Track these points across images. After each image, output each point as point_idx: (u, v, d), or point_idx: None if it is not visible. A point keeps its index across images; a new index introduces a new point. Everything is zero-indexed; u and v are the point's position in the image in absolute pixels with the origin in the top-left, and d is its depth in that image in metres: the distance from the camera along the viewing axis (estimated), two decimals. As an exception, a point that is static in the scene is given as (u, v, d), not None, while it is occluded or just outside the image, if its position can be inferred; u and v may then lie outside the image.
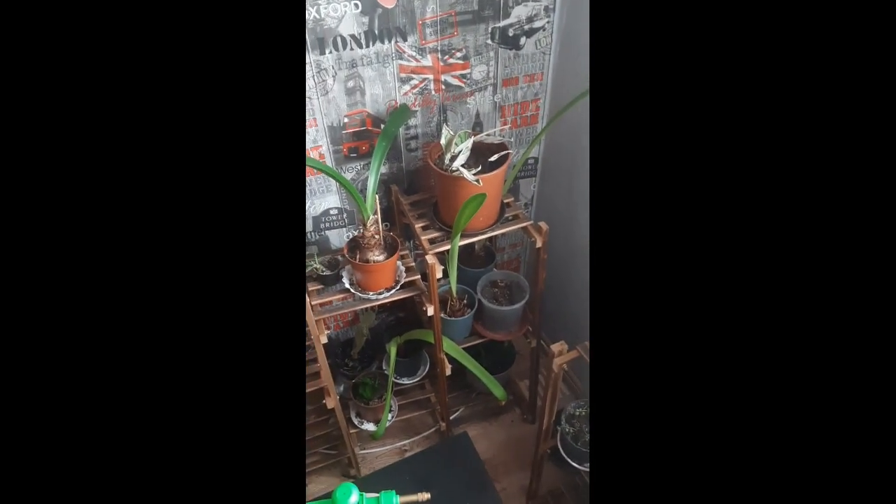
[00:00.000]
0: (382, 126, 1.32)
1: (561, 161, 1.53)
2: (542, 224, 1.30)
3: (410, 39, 1.23)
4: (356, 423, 1.60)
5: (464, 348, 1.48)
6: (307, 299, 1.17)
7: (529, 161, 1.62)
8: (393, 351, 1.50)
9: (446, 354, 1.43)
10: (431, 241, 1.29)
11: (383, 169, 1.38)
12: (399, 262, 1.30)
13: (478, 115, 1.43)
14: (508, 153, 1.21)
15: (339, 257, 1.36)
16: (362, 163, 1.39)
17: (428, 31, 1.23)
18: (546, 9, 1.31)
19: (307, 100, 1.23)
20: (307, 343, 1.42)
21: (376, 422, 1.59)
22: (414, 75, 1.29)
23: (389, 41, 1.21)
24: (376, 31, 1.19)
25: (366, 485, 0.84)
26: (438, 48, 1.27)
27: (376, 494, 0.79)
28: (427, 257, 1.22)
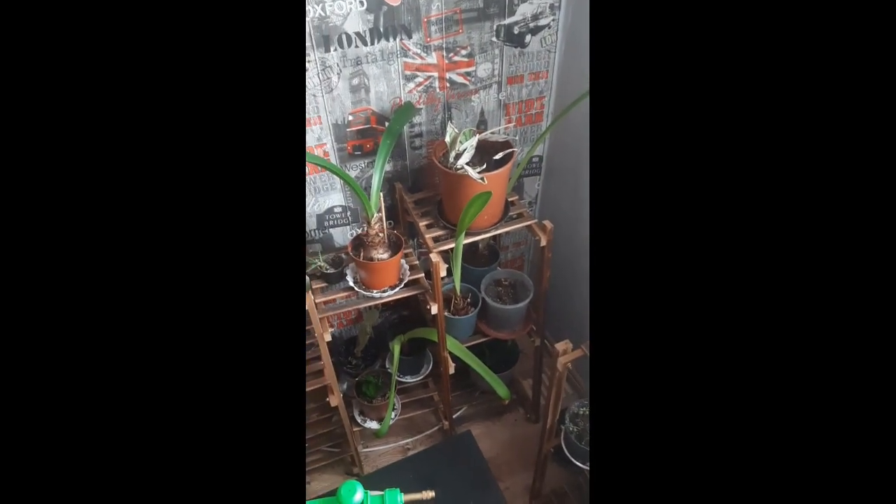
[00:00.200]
0: (387, 124, 1.32)
1: (565, 159, 1.53)
2: (547, 223, 1.29)
3: (415, 37, 1.23)
4: (359, 421, 1.60)
5: (467, 347, 1.48)
6: (311, 297, 1.17)
7: (534, 159, 1.62)
8: (396, 349, 1.50)
9: (450, 353, 1.43)
10: (435, 240, 1.29)
11: (387, 167, 1.38)
12: (403, 261, 1.30)
13: (482, 112, 1.43)
14: (513, 151, 1.20)
15: (343, 255, 1.36)
16: (366, 160, 1.39)
17: (433, 28, 1.23)
18: (551, 6, 1.31)
19: (312, 97, 1.23)
20: (311, 341, 1.42)
21: (379, 420, 1.59)
22: (419, 73, 1.29)
23: (394, 39, 1.21)
24: (381, 29, 1.19)
25: (369, 483, 0.84)
26: (443, 46, 1.27)
27: (380, 492, 0.79)
28: (431, 255, 1.21)
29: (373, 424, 1.59)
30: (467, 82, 1.36)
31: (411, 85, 1.30)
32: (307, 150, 1.30)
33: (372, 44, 1.20)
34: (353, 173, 1.39)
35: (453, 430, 1.67)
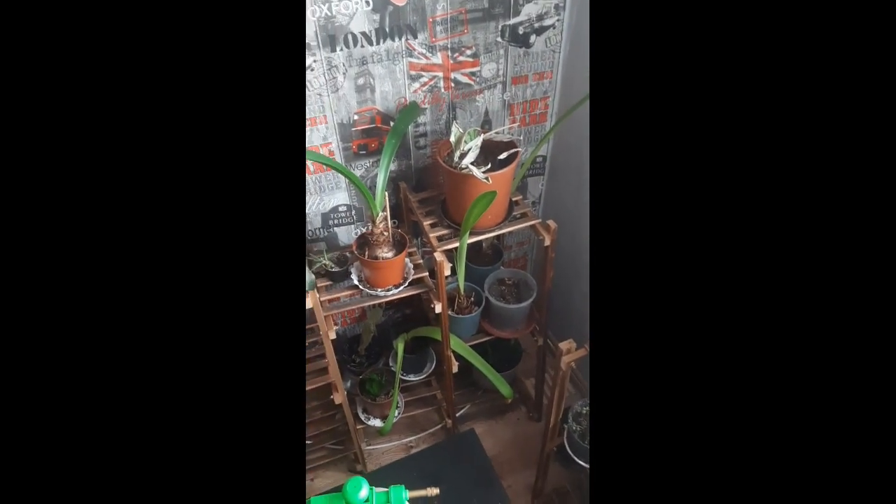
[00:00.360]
0: (392, 123, 1.32)
1: (569, 160, 1.53)
2: (551, 222, 1.30)
3: (421, 37, 1.23)
4: (363, 418, 1.61)
5: (470, 346, 1.49)
6: (316, 295, 1.18)
7: (538, 159, 1.62)
8: (400, 348, 1.50)
9: (453, 351, 1.44)
10: (440, 239, 1.29)
11: (392, 166, 1.39)
12: (407, 259, 1.31)
13: (487, 112, 1.43)
14: (518, 151, 1.21)
15: (348, 254, 1.37)
16: (371, 160, 1.40)
17: (438, 28, 1.23)
18: (556, 7, 1.31)
19: (317, 97, 1.23)
20: (315, 339, 1.43)
21: (383, 418, 1.60)
22: (424, 73, 1.29)
23: (400, 38, 1.22)
24: (387, 29, 1.19)
25: (374, 480, 0.85)
26: (448, 46, 1.27)
27: (385, 489, 0.80)
28: (436, 254, 1.22)
29: (376, 422, 1.60)
30: (472, 82, 1.36)
31: (416, 85, 1.31)
32: (313, 150, 1.30)
33: (377, 44, 1.20)
34: (358, 172, 1.40)
35: (456, 429, 1.67)
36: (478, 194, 1.15)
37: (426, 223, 1.33)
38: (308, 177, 1.37)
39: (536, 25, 1.33)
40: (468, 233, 1.22)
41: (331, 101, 1.25)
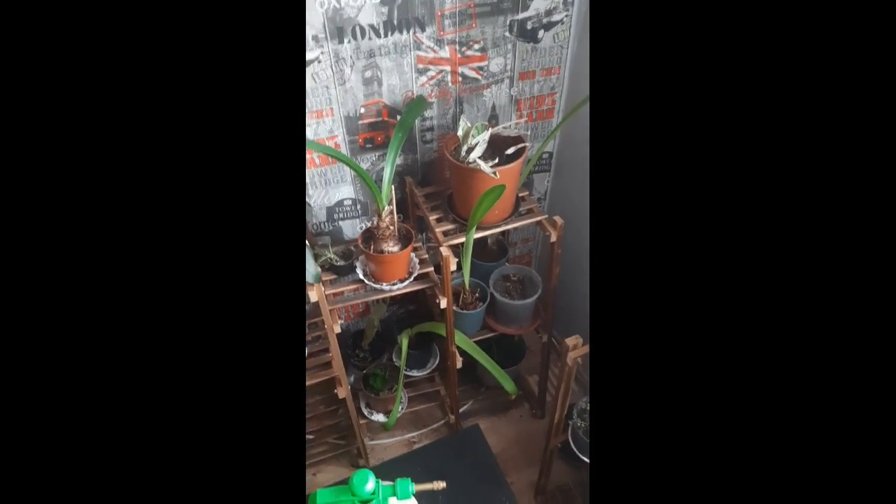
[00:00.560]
0: (398, 117, 1.32)
1: (575, 156, 1.53)
2: (557, 218, 1.29)
3: (429, 30, 1.22)
4: (366, 413, 1.60)
5: (474, 342, 1.48)
6: (321, 289, 1.18)
7: (544, 156, 1.62)
8: (404, 343, 1.50)
9: (458, 347, 1.43)
10: (445, 234, 1.29)
11: (398, 160, 1.38)
12: (412, 254, 1.30)
13: (494, 107, 1.43)
14: (525, 146, 1.20)
15: (353, 248, 1.36)
16: (377, 153, 1.39)
17: (446, 22, 1.23)
18: (565, 2, 1.31)
19: (324, 89, 1.23)
20: (319, 333, 1.43)
21: (386, 413, 1.60)
22: (431, 66, 1.29)
23: (408, 32, 1.21)
24: (395, 22, 1.19)
25: (377, 474, 0.84)
26: (456, 40, 1.26)
27: (391, 483, 0.80)
28: (441, 249, 1.21)
29: (379, 417, 1.60)
30: (479, 77, 1.35)
31: (423, 78, 1.30)
32: (319, 142, 1.30)
33: (385, 36, 1.20)
34: (363, 166, 1.39)
35: (459, 425, 1.67)
36: (484, 189, 1.14)
37: (432, 218, 1.33)
38: (314, 170, 1.37)
39: (545, 21, 1.32)
40: (475, 227, 1.21)
41: (338, 94, 1.25)
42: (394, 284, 1.27)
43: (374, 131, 1.35)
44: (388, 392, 1.56)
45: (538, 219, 1.31)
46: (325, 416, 1.64)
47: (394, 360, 1.65)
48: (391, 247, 1.23)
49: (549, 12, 1.31)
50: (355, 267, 1.30)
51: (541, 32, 1.34)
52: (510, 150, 1.20)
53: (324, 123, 1.28)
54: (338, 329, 1.26)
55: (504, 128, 1.26)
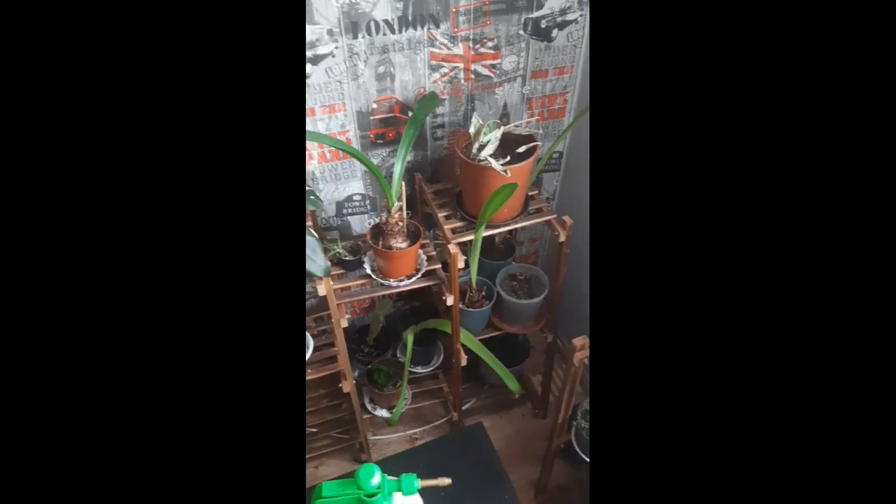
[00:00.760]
0: (410, 113, 1.32)
1: (586, 156, 1.52)
2: (567, 218, 1.29)
3: (443, 27, 1.22)
4: (369, 408, 1.61)
5: (479, 340, 1.48)
6: (329, 283, 1.18)
7: (554, 155, 1.61)
8: (410, 339, 1.50)
9: (462, 345, 1.43)
10: (454, 231, 1.29)
11: (408, 156, 1.38)
12: (420, 251, 1.30)
13: (505, 105, 1.42)
14: (537, 145, 1.20)
15: (361, 243, 1.37)
16: (388, 149, 1.39)
17: (461, 19, 1.23)
18: (579, 1, 1.30)
19: (338, 83, 1.23)
20: (325, 327, 1.43)
21: (389, 408, 1.60)
22: (444, 63, 1.29)
23: (422, 28, 1.21)
24: (410, 18, 1.18)
25: (381, 469, 0.84)
26: (470, 37, 1.26)
27: (396, 478, 0.80)
28: (450, 246, 1.21)
29: (382, 412, 1.60)
30: (492, 74, 1.35)
31: (436, 75, 1.30)
32: (331, 136, 1.30)
33: (399, 32, 1.20)
34: (374, 162, 1.39)
35: (462, 422, 1.67)
36: (495, 187, 1.14)
37: (440, 215, 1.33)
38: (324, 164, 1.37)
39: (559, 20, 1.32)
40: (484, 225, 1.21)
41: (350, 89, 1.25)
42: (401, 281, 1.27)
43: (386, 127, 1.35)
44: (391, 388, 1.57)
45: (547, 218, 1.31)
46: (328, 409, 1.65)
47: (398, 356, 1.66)
48: (399, 243, 1.23)
49: (563, 11, 1.31)
50: (363, 262, 1.30)
51: (555, 31, 1.33)
52: (521, 149, 1.20)
53: (336, 118, 1.28)
54: (345, 323, 1.26)
55: (516, 126, 1.26)
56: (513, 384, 1.50)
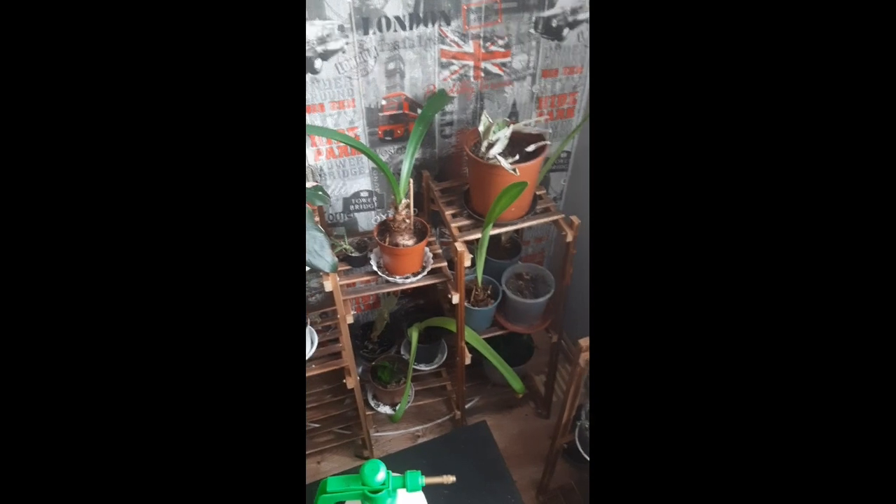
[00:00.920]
0: (419, 110, 1.32)
1: (594, 157, 1.52)
2: (574, 218, 1.29)
3: (454, 24, 1.22)
4: (372, 405, 1.61)
5: (483, 339, 1.48)
6: (336, 279, 1.18)
7: (562, 155, 1.61)
8: (414, 337, 1.50)
9: (467, 344, 1.43)
10: (461, 229, 1.29)
11: (416, 154, 1.38)
12: (427, 249, 1.30)
13: (514, 104, 1.42)
14: (546, 144, 1.20)
15: (368, 239, 1.37)
16: (396, 146, 1.39)
17: (472, 16, 1.22)
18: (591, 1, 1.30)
19: (347, 79, 1.23)
20: (329, 323, 1.43)
21: (392, 405, 1.60)
22: (454, 61, 1.28)
23: (433, 25, 1.21)
24: (421, 14, 1.18)
25: (385, 465, 0.84)
26: (481, 35, 1.26)
27: (400, 474, 0.80)
28: (456, 245, 1.21)
29: (385, 409, 1.61)
30: (502, 73, 1.35)
31: (446, 73, 1.30)
32: (340, 132, 1.30)
33: (410, 29, 1.19)
34: (382, 158, 1.39)
35: (464, 421, 1.68)
36: (503, 186, 1.14)
37: (448, 213, 1.33)
38: (332, 160, 1.37)
39: (570, 19, 1.31)
40: (492, 224, 1.21)
41: (360, 85, 1.25)
42: (407, 278, 1.27)
43: (394, 124, 1.35)
44: (395, 385, 1.57)
45: (555, 218, 1.31)
46: (331, 405, 1.65)
47: (402, 353, 1.66)
48: (406, 240, 1.23)
49: (574, 10, 1.30)
50: (369, 259, 1.31)
51: (566, 30, 1.33)
52: (530, 148, 1.20)
53: (345, 114, 1.28)
54: (350, 319, 1.26)
55: (525, 125, 1.26)
56: (517, 384, 1.50)
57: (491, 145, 1.19)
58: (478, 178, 1.26)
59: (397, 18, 1.17)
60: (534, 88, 1.41)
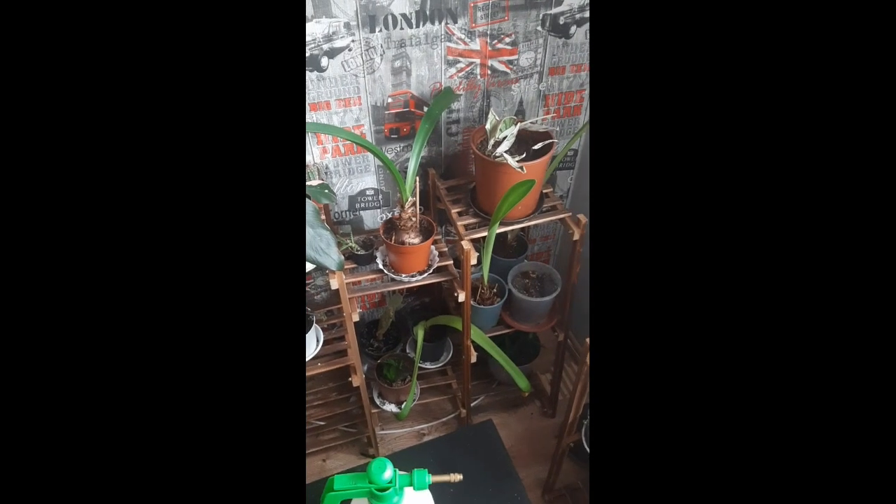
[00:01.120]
0: (425, 108, 1.31)
1: (601, 155, 1.51)
2: (581, 216, 1.28)
3: (461, 22, 1.22)
4: (378, 403, 1.61)
5: (489, 337, 1.48)
6: (342, 277, 1.18)
7: (569, 153, 1.60)
8: (420, 335, 1.50)
9: (472, 342, 1.43)
10: (467, 227, 1.29)
11: (422, 152, 1.38)
12: (433, 247, 1.30)
13: (521, 102, 1.42)
14: (553, 142, 1.19)
15: (374, 237, 1.37)
16: (402, 144, 1.39)
17: (479, 14, 1.22)
18: (599, -2, 1.29)
19: (353, 77, 1.22)
20: (337, 321, 1.43)
21: (398, 403, 1.60)
22: (461, 58, 1.28)
23: (440, 22, 1.20)
24: (427, 12, 1.18)
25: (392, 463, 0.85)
26: (488, 32, 1.25)
27: (407, 472, 0.80)
28: (463, 243, 1.21)
29: (391, 407, 1.61)
30: (509, 71, 1.34)
31: (452, 70, 1.29)
32: (346, 130, 1.30)
33: (417, 26, 1.19)
34: (388, 156, 1.39)
35: (470, 419, 1.67)
36: (510, 184, 1.13)
37: (454, 211, 1.32)
38: (338, 158, 1.37)
39: (578, 16, 1.31)
40: (498, 222, 1.20)
41: (366, 83, 1.24)
42: (413, 276, 1.27)
43: (400, 122, 1.34)
44: (400, 383, 1.57)
45: (562, 216, 1.30)
46: (336, 403, 1.65)
47: (407, 351, 1.66)
48: (412, 238, 1.23)
49: (582, 8, 1.29)
50: (375, 257, 1.30)
51: (573, 28, 1.32)
52: (538, 146, 1.19)
53: (351, 112, 1.28)
54: (356, 317, 1.26)
55: (532, 123, 1.25)
56: (522, 382, 1.50)
57: (498, 143, 1.18)
58: (484, 177, 1.25)
59: (404, 16, 1.17)
60: (541, 86, 1.40)
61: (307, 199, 0.84)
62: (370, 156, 1.39)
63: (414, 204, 1.21)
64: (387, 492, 0.77)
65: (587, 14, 1.31)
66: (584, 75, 1.42)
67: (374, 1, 1.13)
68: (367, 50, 1.19)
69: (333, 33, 1.15)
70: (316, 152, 1.34)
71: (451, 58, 1.27)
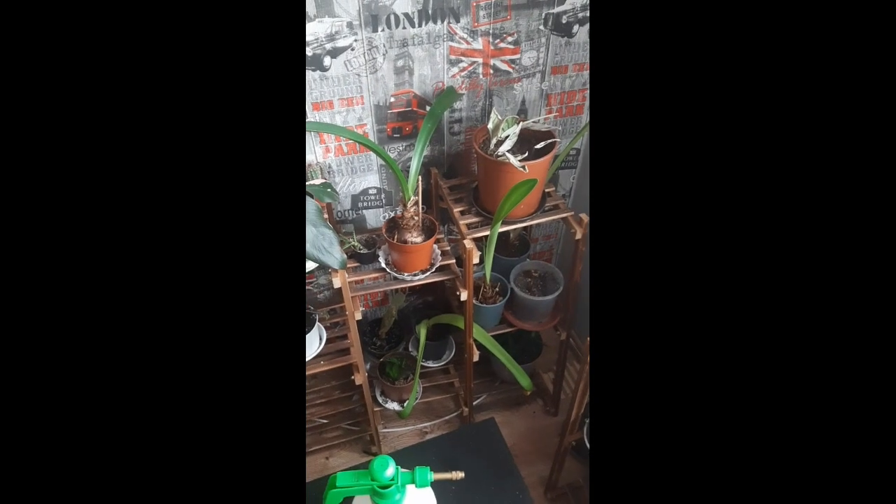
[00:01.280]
0: (427, 108, 1.31)
1: (603, 154, 1.51)
2: (584, 216, 1.28)
3: (463, 21, 1.22)
4: (380, 401, 1.62)
5: (492, 336, 1.48)
6: (344, 276, 1.19)
7: (571, 152, 1.60)
8: (423, 334, 1.51)
9: (475, 341, 1.43)
10: (469, 226, 1.29)
11: (425, 151, 1.38)
12: (435, 246, 1.30)
13: (523, 101, 1.42)
14: (556, 141, 1.19)
15: (376, 236, 1.37)
16: (404, 143, 1.39)
17: (481, 13, 1.22)
18: (602, -4, 1.29)
19: (356, 77, 1.23)
20: (337, 320, 1.44)
21: (400, 401, 1.61)
22: (463, 58, 1.28)
23: (442, 22, 1.20)
24: (430, 11, 1.18)
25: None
26: (490, 31, 1.26)
27: (409, 470, 0.80)
28: (465, 242, 1.21)
29: (393, 405, 1.61)
30: (511, 70, 1.34)
31: (455, 70, 1.30)
32: (349, 129, 1.30)
33: (419, 26, 1.19)
34: (390, 155, 1.40)
35: (472, 418, 1.68)
36: (512, 183, 1.13)
37: (456, 210, 1.33)
38: (340, 157, 1.37)
39: (580, 15, 1.31)
40: (500, 221, 1.21)
41: (369, 82, 1.25)
42: (415, 275, 1.27)
43: (403, 121, 1.35)
44: (403, 381, 1.57)
45: (564, 215, 1.31)
46: (339, 401, 1.66)
47: (410, 350, 1.66)
48: (415, 237, 1.23)
49: (584, 7, 1.29)
50: (378, 256, 1.31)
51: (575, 27, 1.32)
52: (540, 145, 1.20)
53: (353, 111, 1.29)
54: (359, 316, 1.27)
55: (534, 122, 1.25)
56: (525, 381, 1.50)
57: (500, 142, 1.19)
58: (487, 176, 1.26)
59: (406, 15, 1.17)
60: (543, 85, 1.40)
61: (310, 198, 0.84)
62: (373, 155, 1.39)
63: (416, 203, 1.21)
64: (389, 489, 0.77)
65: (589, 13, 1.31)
66: (587, 74, 1.42)
67: (377, 0, 1.13)
68: (369, 49, 1.20)
69: (336, 33, 1.15)
70: (319, 151, 1.34)
71: (453, 57, 1.27)
